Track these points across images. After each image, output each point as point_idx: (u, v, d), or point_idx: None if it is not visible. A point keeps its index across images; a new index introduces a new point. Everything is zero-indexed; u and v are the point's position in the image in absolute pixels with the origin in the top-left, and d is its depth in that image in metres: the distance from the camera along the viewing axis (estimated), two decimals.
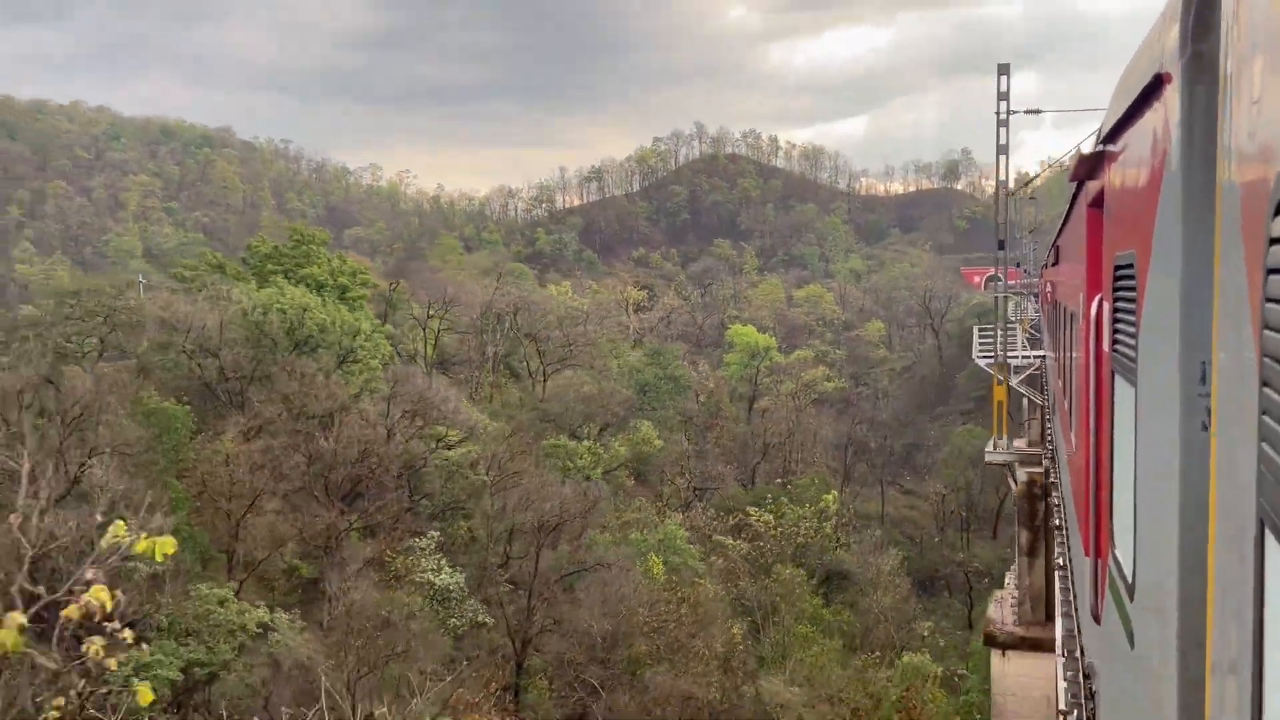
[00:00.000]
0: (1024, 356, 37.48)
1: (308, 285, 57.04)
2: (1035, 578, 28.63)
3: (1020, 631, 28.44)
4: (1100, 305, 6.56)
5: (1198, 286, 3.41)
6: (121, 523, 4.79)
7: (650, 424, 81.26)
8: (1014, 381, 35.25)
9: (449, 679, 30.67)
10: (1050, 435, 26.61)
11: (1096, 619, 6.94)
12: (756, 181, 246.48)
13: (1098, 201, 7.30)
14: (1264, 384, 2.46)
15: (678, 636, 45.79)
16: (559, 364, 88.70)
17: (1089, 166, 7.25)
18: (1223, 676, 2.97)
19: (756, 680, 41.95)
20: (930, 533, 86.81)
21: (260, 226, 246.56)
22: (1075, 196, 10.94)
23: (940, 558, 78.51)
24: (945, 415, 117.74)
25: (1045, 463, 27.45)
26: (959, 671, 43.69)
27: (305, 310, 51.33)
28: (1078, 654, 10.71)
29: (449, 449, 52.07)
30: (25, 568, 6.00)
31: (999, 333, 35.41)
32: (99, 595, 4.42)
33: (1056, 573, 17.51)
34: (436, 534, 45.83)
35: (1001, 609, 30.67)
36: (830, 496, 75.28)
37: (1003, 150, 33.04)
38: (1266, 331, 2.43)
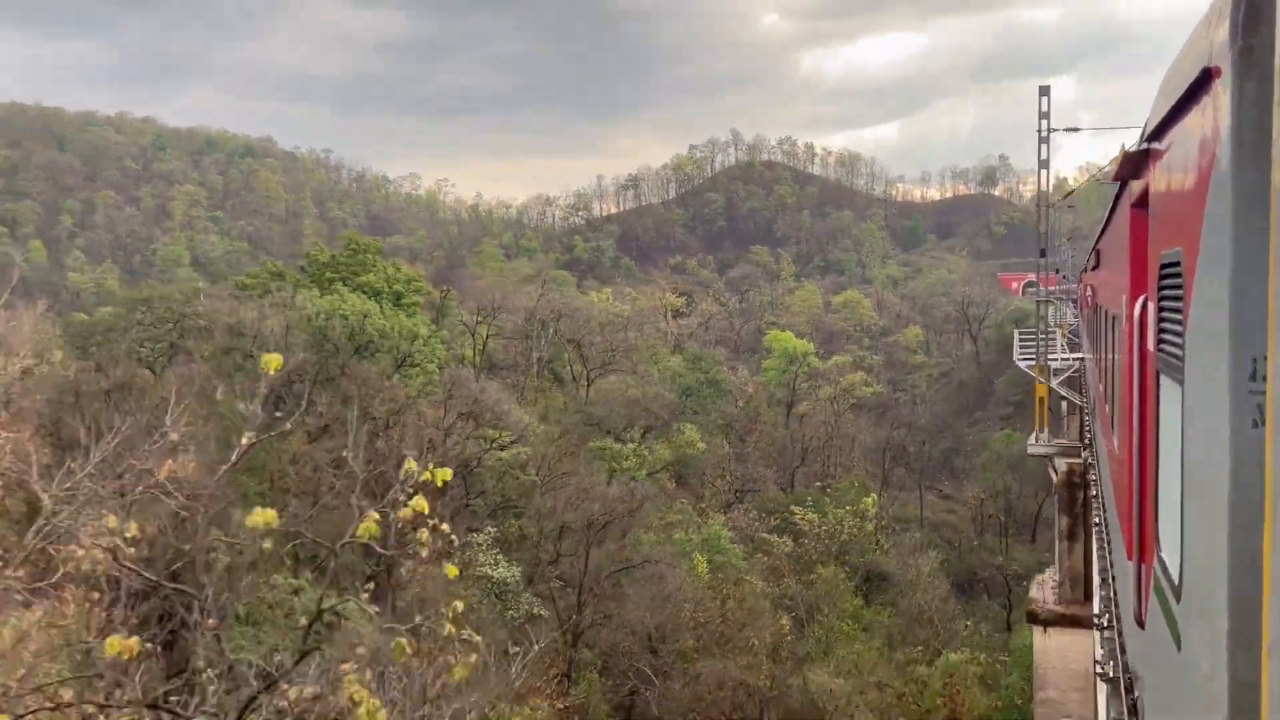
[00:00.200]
0: (1063, 359, 39.00)
1: (364, 292, 59.34)
2: (1074, 560, 30.36)
3: (1060, 609, 30.24)
4: (1144, 305, 6.42)
5: (1249, 282, 3.41)
6: (411, 460, 6.58)
7: (693, 427, 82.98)
8: (1053, 383, 36.70)
9: (513, 666, 32.32)
10: (1089, 433, 27.97)
11: (1140, 624, 6.77)
12: (793, 188, 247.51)
13: (1141, 201, 7.22)
14: None
15: (723, 631, 47.30)
16: (601, 369, 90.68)
17: (1133, 165, 7.12)
18: (1277, 678, 2.98)
19: (803, 670, 43.49)
20: (968, 537, 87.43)
21: (303, 235, 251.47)
22: (1118, 198, 10.94)
23: (979, 561, 79.06)
24: (983, 420, 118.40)
25: (1084, 454, 29.22)
26: (1001, 658, 44.85)
27: (365, 316, 53.60)
28: (1116, 627, 11.04)
29: (501, 450, 54.00)
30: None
31: (1040, 336, 36.97)
32: (419, 505, 6.29)
33: (1095, 555, 18.80)
34: (493, 530, 47.71)
35: (1043, 590, 32.60)
36: (869, 500, 76.26)
37: (1044, 165, 34.77)
38: None
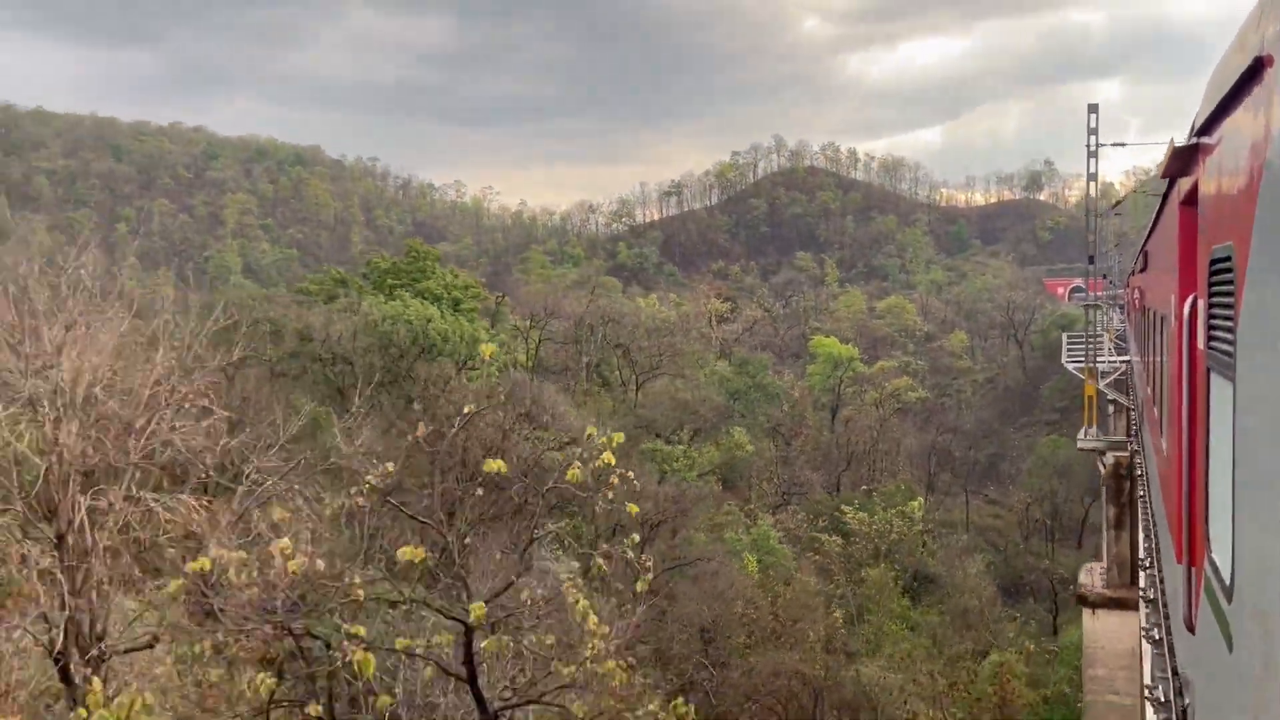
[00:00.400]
0: (1109, 362, 40.25)
1: (424, 298, 61.44)
2: (1121, 547, 32.08)
3: (1108, 593, 32.03)
4: (1194, 303, 6.30)
5: None
6: (592, 427, 8.25)
7: (741, 430, 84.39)
8: (1101, 384, 37.95)
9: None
10: (1135, 428, 29.19)
11: (1190, 628, 6.66)
12: (836, 194, 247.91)
13: (1190, 198, 7.09)
14: None
15: (775, 628, 48.57)
16: (649, 373, 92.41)
17: (1182, 161, 6.98)
18: None
19: (855, 664, 44.79)
20: (1014, 541, 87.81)
21: (351, 242, 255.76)
22: (1166, 195, 10.82)
23: (1025, 565, 79.31)
24: (1029, 426, 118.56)
25: (1130, 446, 30.86)
26: (1050, 648, 45.79)
27: (429, 321, 55.66)
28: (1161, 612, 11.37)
29: (558, 449, 55.62)
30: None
31: (1088, 339, 38.34)
32: (608, 458, 8.05)
33: (1142, 542, 19.93)
34: (553, 527, 49.34)
35: (1091, 576, 34.48)
36: (916, 503, 77.05)
37: (1092, 178, 36.18)
38: None
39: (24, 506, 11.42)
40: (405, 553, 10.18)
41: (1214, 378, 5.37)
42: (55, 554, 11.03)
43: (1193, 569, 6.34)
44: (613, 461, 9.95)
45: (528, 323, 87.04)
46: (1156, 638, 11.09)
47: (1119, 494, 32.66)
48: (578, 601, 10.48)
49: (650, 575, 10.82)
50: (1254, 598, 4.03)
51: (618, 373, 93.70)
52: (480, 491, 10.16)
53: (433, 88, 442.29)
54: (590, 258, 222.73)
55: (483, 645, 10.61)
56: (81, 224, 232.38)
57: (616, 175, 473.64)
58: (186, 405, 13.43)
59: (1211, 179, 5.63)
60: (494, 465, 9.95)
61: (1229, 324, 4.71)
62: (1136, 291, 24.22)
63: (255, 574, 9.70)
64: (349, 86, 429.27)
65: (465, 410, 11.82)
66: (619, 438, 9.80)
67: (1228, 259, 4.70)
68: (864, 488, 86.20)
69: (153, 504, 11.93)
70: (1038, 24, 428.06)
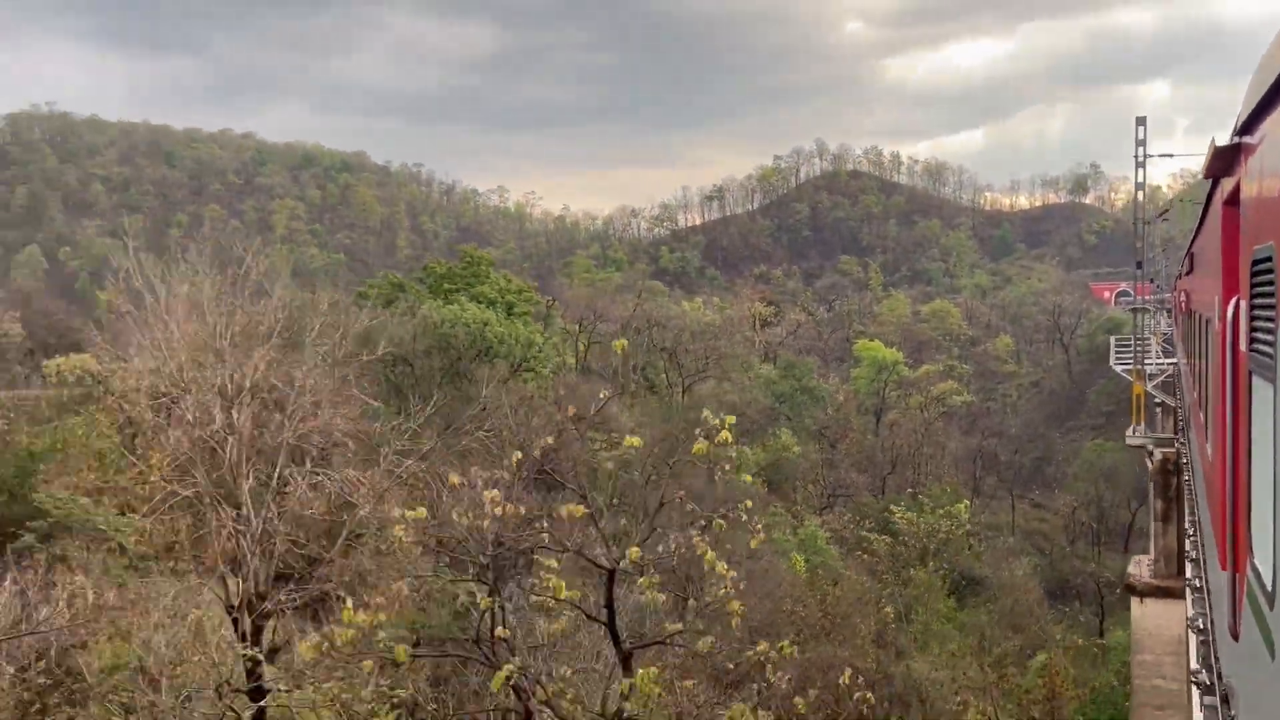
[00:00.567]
0: (1156, 364, 41.05)
1: (479, 302, 63.09)
2: (1168, 539, 33.28)
3: (1155, 582, 33.41)
4: (1236, 305, 6.17)
5: None
6: (708, 411, 9.65)
7: (788, 432, 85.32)
8: (1149, 386, 38.81)
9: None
10: (1181, 428, 30.10)
11: (1235, 636, 6.51)
12: (879, 198, 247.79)
13: (1233, 199, 6.97)
14: None
15: (824, 625, 49.49)
16: (695, 376, 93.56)
17: (1224, 161, 6.86)
18: None
19: (905, 660, 45.64)
20: (1061, 545, 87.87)
21: (397, 247, 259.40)
22: (1210, 196, 10.74)
23: (1071, 569, 79.33)
24: (1075, 429, 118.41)
25: (1176, 443, 32.02)
26: (1099, 641, 46.41)
27: (485, 324, 57.30)
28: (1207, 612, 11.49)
29: (609, 449, 56.98)
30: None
31: (1136, 342, 39.21)
32: (725, 436, 9.44)
33: (1187, 539, 20.85)
34: (604, 524, 50.71)
35: (1139, 566, 36.04)
36: (961, 506, 77.49)
37: (1139, 187, 37.05)
38: None
39: (211, 483, 12.92)
40: (570, 509, 12.35)
41: (1256, 380, 5.30)
42: (235, 524, 12.51)
43: (1236, 575, 6.26)
44: (729, 439, 11.27)
45: (576, 326, 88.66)
46: (1201, 627, 11.37)
47: (1166, 488, 33.83)
48: (705, 552, 11.99)
49: (761, 535, 12.05)
50: None
51: (664, 375, 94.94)
52: (610, 465, 11.65)
53: (474, 94, 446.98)
54: (633, 262, 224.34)
55: (640, 581, 12.09)
56: (134, 229, 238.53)
57: (657, 179, 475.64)
58: (333, 397, 14.88)
59: (1253, 179, 5.57)
60: (632, 441, 11.32)
61: (1270, 325, 4.63)
62: (1183, 294, 24.40)
63: (470, 516, 11.35)
64: (392, 93, 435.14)
65: (593, 409, 13.45)
66: (731, 420, 11.19)
67: (1269, 259, 4.63)
68: (909, 491, 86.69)
69: (319, 478, 13.43)
70: (1084, 25, 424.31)
